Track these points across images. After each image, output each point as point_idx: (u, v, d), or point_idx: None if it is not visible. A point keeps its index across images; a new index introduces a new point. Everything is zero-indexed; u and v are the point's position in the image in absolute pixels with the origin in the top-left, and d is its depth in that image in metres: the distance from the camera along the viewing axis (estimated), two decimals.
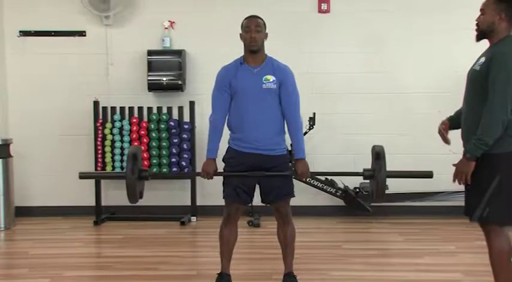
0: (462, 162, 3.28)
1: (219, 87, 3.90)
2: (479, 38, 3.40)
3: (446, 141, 3.64)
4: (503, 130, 3.18)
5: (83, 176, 4.05)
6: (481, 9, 3.37)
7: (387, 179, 3.74)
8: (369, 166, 3.93)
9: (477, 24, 3.38)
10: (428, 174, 3.83)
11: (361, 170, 3.92)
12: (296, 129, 3.85)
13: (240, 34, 3.91)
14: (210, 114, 3.95)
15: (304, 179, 3.87)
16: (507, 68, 3.16)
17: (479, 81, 3.26)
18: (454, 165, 3.35)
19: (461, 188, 3.40)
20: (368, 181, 6.45)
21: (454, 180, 3.34)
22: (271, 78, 3.83)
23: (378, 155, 3.76)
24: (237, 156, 3.86)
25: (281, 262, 4.06)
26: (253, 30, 3.83)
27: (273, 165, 3.82)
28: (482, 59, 3.29)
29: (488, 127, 3.17)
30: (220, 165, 3.94)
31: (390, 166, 6.33)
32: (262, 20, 3.93)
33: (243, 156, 3.82)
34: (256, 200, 4.03)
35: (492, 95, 3.17)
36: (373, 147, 3.88)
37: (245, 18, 3.92)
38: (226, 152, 3.94)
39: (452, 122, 3.62)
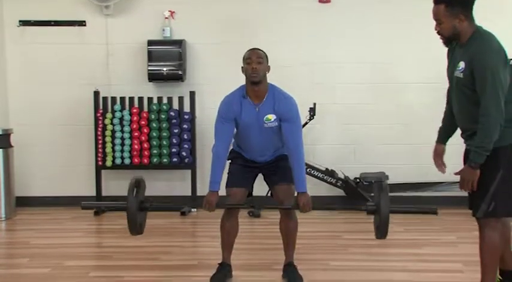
0: (467, 171, 3.25)
1: (223, 119, 3.88)
2: (447, 44, 3.35)
3: (442, 170, 3.61)
4: (504, 123, 3.16)
5: (85, 206, 4.08)
6: (435, 19, 3.28)
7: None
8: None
9: (439, 33, 3.30)
10: (432, 211, 3.87)
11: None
12: (298, 161, 3.84)
13: (242, 67, 3.86)
14: (213, 144, 3.93)
15: (306, 211, 3.87)
16: (491, 68, 3.10)
17: (467, 86, 3.21)
18: (456, 174, 3.33)
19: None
20: (369, 172, 6.49)
21: (461, 189, 3.32)
22: (272, 117, 3.84)
23: (381, 189, 3.77)
24: (241, 156, 4.04)
25: (281, 252, 4.08)
26: (254, 61, 3.78)
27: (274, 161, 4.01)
28: (462, 65, 3.22)
29: (486, 132, 3.14)
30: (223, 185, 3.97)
31: (391, 156, 6.36)
32: (264, 52, 3.89)
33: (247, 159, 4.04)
34: (256, 191, 4.06)
35: (484, 100, 3.12)
36: (376, 182, 3.92)
37: (247, 51, 3.89)
38: (230, 152, 4.03)
39: (445, 136, 3.60)
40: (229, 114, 3.86)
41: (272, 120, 3.83)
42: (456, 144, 3.54)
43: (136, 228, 3.78)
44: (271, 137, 3.91)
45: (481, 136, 3.16)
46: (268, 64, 3.87)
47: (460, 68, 3.24)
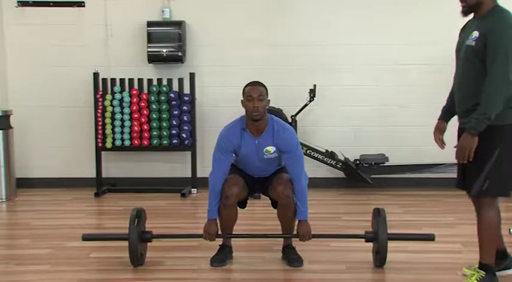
0: (466, 138, 3.25)
1: (222, 151, 3.88)
2: (466, 13, 3.35)
3: (441, 146, 3.66)
4: (505, 103, 3.18)
5: (86, 238, 4.11)
6: None
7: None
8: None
9: (464, 0, 3.30)
10: (430, 238, 3.93)
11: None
12: (301, 190, 3.86)
13: (242, 101, 3.82)
14: (210, 172, 3.95)
15: (305, 240, 3.96)
16: (505, 44, 3.14)
17: (478, 56, 3.24)
18: (455, 146, 3.34)
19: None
20: (369, 153, 6.49)
21: (457, 158, 3.31)
22: (271, 149, 3.85)
23: (379, 215, 3.83)
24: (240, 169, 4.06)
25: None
26: (255, 99, 3.73)
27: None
28: (476, 34, 3.25)
29: (490, 101, 3.17)
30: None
31: (391, 138, 6.33)
32: (265, 86, 3.83)
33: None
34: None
35: (493, 71, 3.16)
36: (374, 209, 3.97)
37: (247, 85, 3.83)
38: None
39: (448, 115, 3.64)
40: (229, 147, 3.86)
41: (272, 152, 3.86)
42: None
43: (137, 258, 3.86)
44: (270, 163, 3.96)
45: (485, 104, 3.18)
46: (268, 98, 3.82)
47: (474, 36, 3.26)
